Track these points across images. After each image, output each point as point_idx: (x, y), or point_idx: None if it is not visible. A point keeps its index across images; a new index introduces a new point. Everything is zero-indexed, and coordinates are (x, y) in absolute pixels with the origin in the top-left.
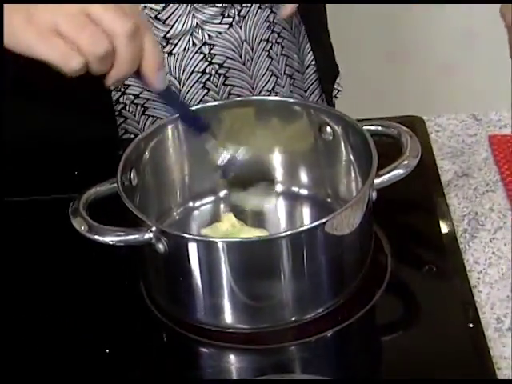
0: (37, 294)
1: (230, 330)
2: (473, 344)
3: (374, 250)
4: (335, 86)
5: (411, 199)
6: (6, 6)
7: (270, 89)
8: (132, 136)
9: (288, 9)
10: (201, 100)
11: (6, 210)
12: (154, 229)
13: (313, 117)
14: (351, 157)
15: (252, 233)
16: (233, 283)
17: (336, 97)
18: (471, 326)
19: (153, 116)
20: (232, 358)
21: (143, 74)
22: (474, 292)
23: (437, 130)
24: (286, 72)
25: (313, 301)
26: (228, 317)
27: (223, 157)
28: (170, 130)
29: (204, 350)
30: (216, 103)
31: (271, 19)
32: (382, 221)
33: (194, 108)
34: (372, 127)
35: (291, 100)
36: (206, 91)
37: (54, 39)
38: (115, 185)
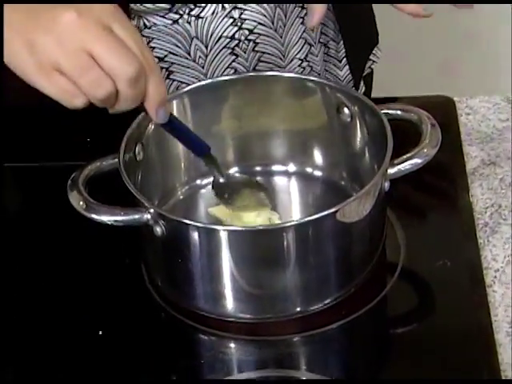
0: (36, 266)
1: (231, 319)
2: (481, 348)
3: (386, 240)
4: (371, 57)
5: (431, 186)
6: (4, 23)
7: (302, 57)
8: None
9: (315, 16)
10: (228, 67)
11: (16, 175)
12: (151, 210)
13: (330, 96)
14: (367, 141)
15: (261, 215)
16: (234, 271)
17: (371, 68)
18: (482, 328)
19: (177, 80)
20: (232, 348)
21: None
22: (488, 291)
23: (467, 113)
24: (321, 40)
25: (319, 291)
26: (229, 305)
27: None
28: (175, 104)
29: (203, 338)
30: (227, 78)
31: None
32: (397, 208)
33: (205, 82)
34: (391, 111)
35: (306, 77)
36: (233, 57)
37: (56, 76)
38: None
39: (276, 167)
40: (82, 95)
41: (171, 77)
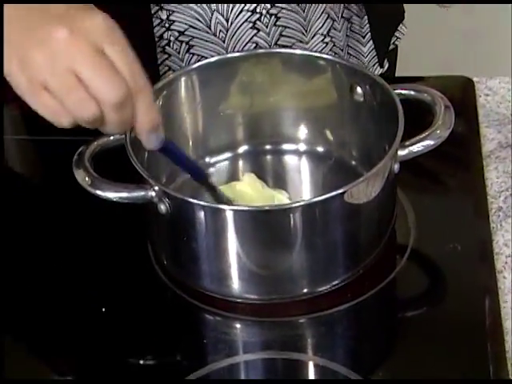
0: (40, 242)
1: (237, 300)
2: (488, 335)
3: (396, 222)
4: (396, 34)
5: (445, 167)
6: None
7: (324, 33)
8: None
9: None
10: (249, 41)
11: (22, 149)
12: (156, 188)
13: (342, 75)
14: (379, 121)
15: (270, 195)
16: (240, 251)
17: (395, 44)
18: (490, 314)
19: (198, 55)
20: (237, 329)
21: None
22: (498, 277)
23: (486, 94)
24: (344, 15)
25: (326, 273)
26: (234, 285)
27: None
28: (183, 81)
29: (207, 317)
30: (237, 54)
31: None
32: (408, 190)
33: (215, 59)
34: (404, 91)
35: (319, 55)
36: (255, 32)
37: (44, 95)
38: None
39: (286, 146)
40: (68, 115)
41: (191, 51)
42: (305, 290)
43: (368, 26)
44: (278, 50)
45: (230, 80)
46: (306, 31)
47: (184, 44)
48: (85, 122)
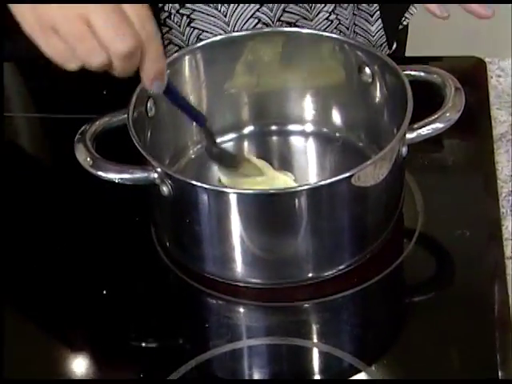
0: (42, 221)
1: (241, 284)
2: (495, 322)
3: (404, 206)
4: (406, 14)
5: (454, 151)
6: None
7: (329, 10)
8: (176, 48)
9: None
10: (251, 16)
11: (28, 127)
12: (158, 170)
13: (350, 55)
14: (388, 102)
15: (276, 178)
16: (244, 235)
17: (404, 23)
18: (498, 302)
19: (198, 29)
20: (240, 313)
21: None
22: (507, 264)
23: (498, 75)
24: None
25: (332, 257)
26: (238, 269)
27: None
28: (187, 60)
29: (210, 301)
30: (244, 33)
31: None
32: (417, 173)
33: (220, 38)
34: (414, 72)
35: (327, 34)
36: (257, 6)
37: (54, 38)
38: None
39: (293, 127)
40: (77, 61)
41: (192, 25)
42: (310, 275)
43: (376, 4)
44: (285, 29)
45: (235, 59)
46: (311, 7)
47: (185, 17)
48: (93, 68)
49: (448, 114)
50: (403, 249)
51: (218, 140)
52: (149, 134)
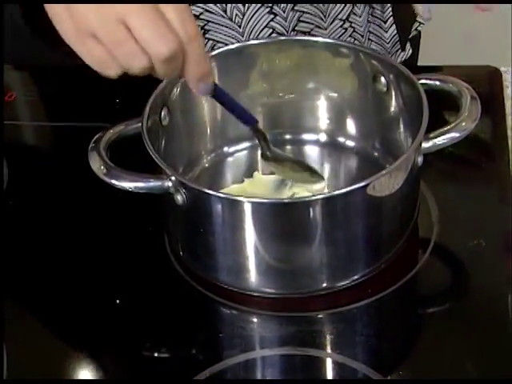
0: (56, 230)
1: (254, 294)
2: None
3: (419, 216)
4: (418, 19)
5: (470, 161)
6: None
7: (344, 18)
8: None
9: None
10: (266, 26)
11: (38, 135)
12: (173, 178)
13: (365, 64)
14: (403, 111)
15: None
16: (258, 244)
17: (417, 30)
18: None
19: (213, 40)
20: (254, 323)
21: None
22: None
23: None
24: None
25: (346, 268)
26: (252, 279)
27: None
28: None
29: (223, 311)
30: (258, 41)
31: None
32: (432, 183)
33: (235, 46)
34: (429, 81)
35: (341, 43)
36: (272, 16)
37: (92, 44)
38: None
39: (307, 136)
40: (117, 66)
41: (207, 36)
42: (324, 285)
43: (390, 10)
44: (300, 38)
45: (249, 68)
46: (325, 16)
47: (199, 28)
48: (134, 73)
49: (464, 124)
50: (418, 259)
51: (232, 149)
52: (163, 143)
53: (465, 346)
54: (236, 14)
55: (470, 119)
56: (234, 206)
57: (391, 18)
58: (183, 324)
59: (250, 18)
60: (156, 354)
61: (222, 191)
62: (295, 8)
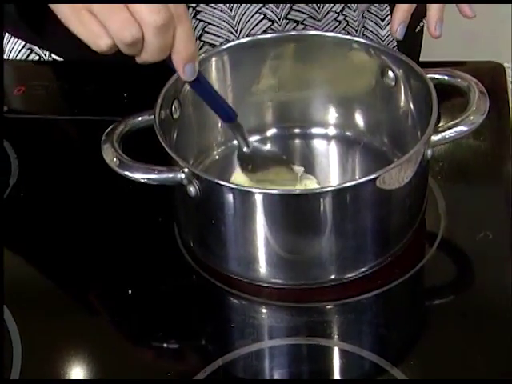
0: (67, 221)
1: (264, 284)
2: None
3: (427, 210)
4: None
5: (477, 155)
6: None
7: (338, 11)
8: None
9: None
10: (257, 11)
11: (50, 128)
12: (186, 170)
13: (373, 58)
14: (411, 106)
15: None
16: (268, 235)
17: (418, 27)
18: None
19: (204, 21)
20: (263, 314)
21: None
22: None
23: None
24: None
25: (355, 259)
26: (262, 270)
27: None
28: (214, 61)
29: (234, 302)
30: (268, 36)
31: None
32: (439, 177)
33: (246, 40)
34: (438, 76)
35: (351, 38)
36: (262, 11)
37: (86, 16)
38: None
39: (315, 130)
40: (108, 37)
41: (198, 17)
42: (333, 276)
43: (388, 9)
44: (310, 33)
45: (260, 62)
46: (319, 7)
47: (191, 9)
48: (124, 45)
49: (472, 118)
50: (426, 252)
51: None
52: (174, 136)
53: (471, 337)
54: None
55: (478, 113)
56: (246, 196)
57: (389, 16)
58: (194, 314)
59: (240, 16)
60: (169, 345)
61: (232, 181)
62: None
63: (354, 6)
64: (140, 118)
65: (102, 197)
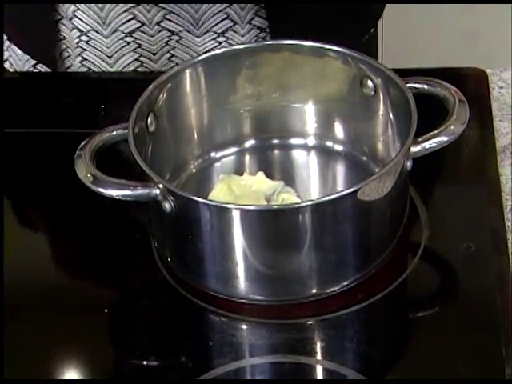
0: (41, 238)
1: (243, 301)
2: (504, 336)
3: (408, 221)
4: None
5: (458, 164)
6: None
7: (219, 32)
8: None
9: None
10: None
11: (23, 142)
12: (160, 186)
13: (352, 67)
14: (391, 116)
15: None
16: (247, 251)
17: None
18: (505, 316)
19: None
20: (242, 331)
21: None
22: None
23: (500, 87)
24: (253, 22)
25: (336, 273)
26: (240, 286)
27: None
28: (188, 73)
29: (213, 319)
30: (243, 46)
31: None
32: (421, 187)
33: (222, 51)
34: (417, 85)
35: (329, 46)
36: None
37: None
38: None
39: (294, 140)
40: None
41: (161, 5)
42: (314, 291)
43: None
44: (286, 42)
45: (236, 73)
46: (197, 23)
47: None
48: None
49: (452, 127)
50: (408, 264)
51: (219, 154)
52: (149, 149)
53: (456, 349)
54: None
55: (459, 123)
56: (222, 212)
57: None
58: (172, 332)
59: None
60: (145, 363)
61: (210, 197)
62: (160, 5)
63: (241, 30)
64: (115, 132)
65: (79, 212)
